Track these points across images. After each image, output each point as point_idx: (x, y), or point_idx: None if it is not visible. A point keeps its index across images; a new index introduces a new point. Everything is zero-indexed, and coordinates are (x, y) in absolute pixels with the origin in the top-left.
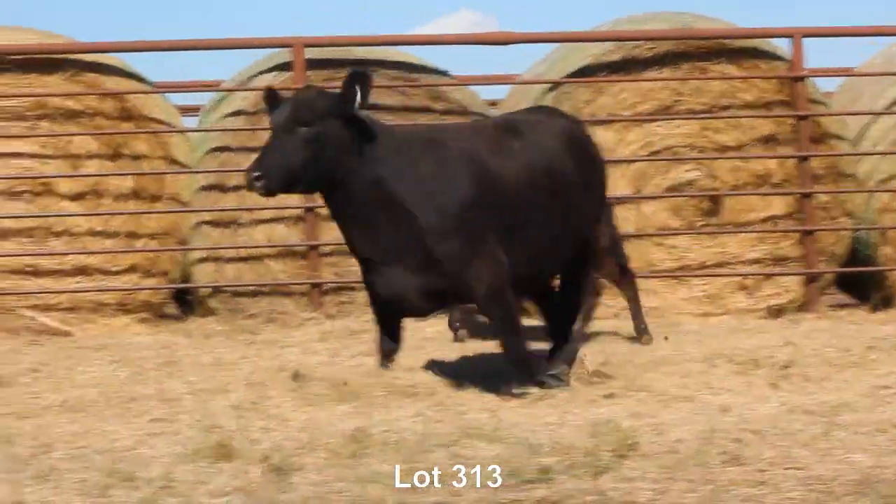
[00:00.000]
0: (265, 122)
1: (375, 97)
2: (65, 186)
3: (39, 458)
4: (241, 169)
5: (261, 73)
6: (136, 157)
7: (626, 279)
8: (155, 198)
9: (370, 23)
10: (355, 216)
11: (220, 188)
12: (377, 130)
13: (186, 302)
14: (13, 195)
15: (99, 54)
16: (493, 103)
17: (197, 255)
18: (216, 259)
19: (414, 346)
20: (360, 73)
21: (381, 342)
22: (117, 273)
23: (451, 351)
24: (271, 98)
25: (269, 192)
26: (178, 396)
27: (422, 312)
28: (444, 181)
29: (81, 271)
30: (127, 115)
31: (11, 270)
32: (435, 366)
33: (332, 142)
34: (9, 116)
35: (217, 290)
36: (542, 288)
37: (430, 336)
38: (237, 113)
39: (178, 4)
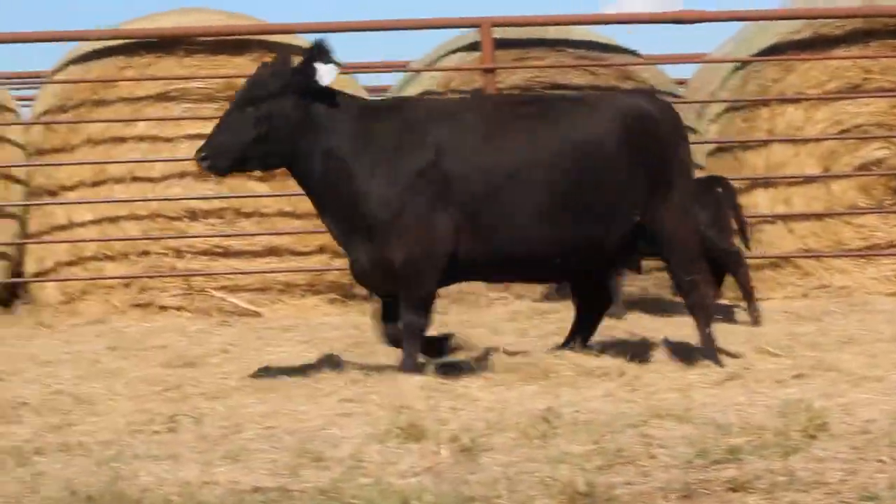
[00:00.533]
0: None
1: (564, 76)
2: None
3: (229, 438)
4: None
5: (449, 53)
6: None
7: (734, 264)
8: None
9: (558, 2)
10: (317, 191)
11: None
12: (340, 104)
13: None
14: (203, 176)
15: (287, 35)
16: (681, 82)
17: None
18: None
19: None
20: (318, 45)
21: (380, 322)
22: (307, 254)
23: (639, 331)
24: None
25: (215, 170)
26: (367, 376)
27: (385, 290)
28: (391, 151)
29: (271, 252)
30: None
31: (202, 251)
32: (623, 345)
33: (283, 120)
34: (198, 98)
35: None
36: (569, 272)
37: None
38: (426, 93)
39: None
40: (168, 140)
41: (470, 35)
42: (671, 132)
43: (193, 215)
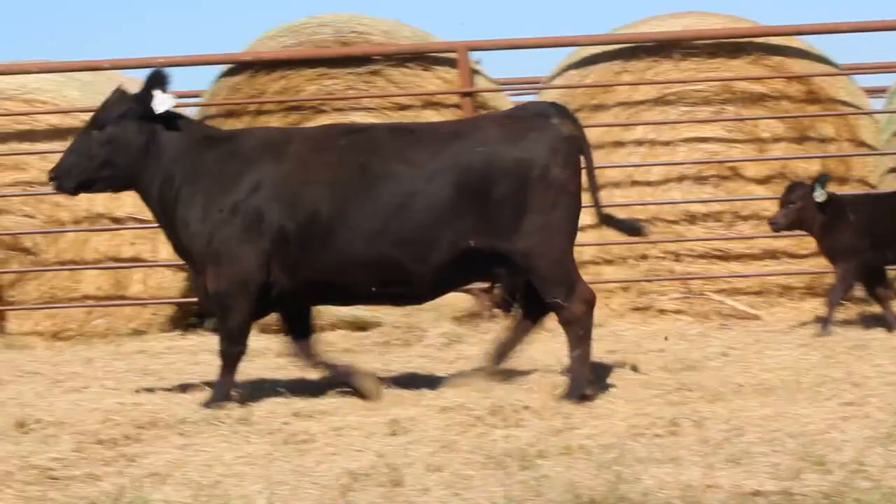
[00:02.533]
0: None
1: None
2: (751, 170)
3: (732, 441)
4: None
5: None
6: (823, 140)
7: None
8: (842, 180)
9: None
10: (156, 215)
11: None
12: (181, 131)
13: None
14: (701, 179)
15: (783, 37)
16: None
17: None
18: None
19: None
20: (157, 73)
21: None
22: (804, 256)
23: None
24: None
25: (64, 191)
26: (868, 379)
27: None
28: (213, 182)
29: (770, 255)
30: (813, 97)
31: (701, 255)
32: None
33: (124, 143)
34: (695, 101)
35: None
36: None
37: None
38: None
39: None
40: (666, 144)
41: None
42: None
43: (692, 218)
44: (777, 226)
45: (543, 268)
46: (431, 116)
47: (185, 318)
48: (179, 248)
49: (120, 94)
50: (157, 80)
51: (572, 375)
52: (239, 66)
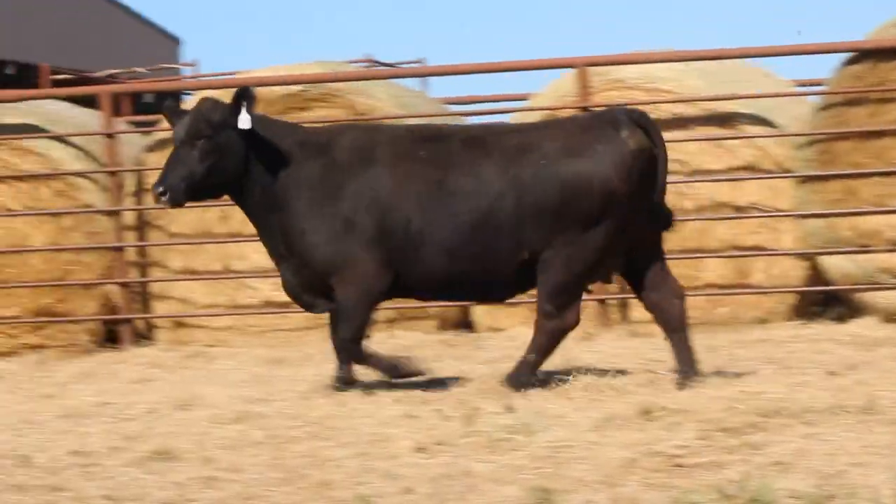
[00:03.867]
0: None
1: None
2: None
3: None
4: None
5: None
6: None
7: None
8: None
9: None
10: (255, 219)
11: None
12: (272, 138)
13: None
14: None
15: None
16: None
17: None
18: None
19: None
20: (244, 90)
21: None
22: None
23: None
24: (170, 116)
25: (175, 204)
26: None
27: (312, 310)
28: (322, 189)
29: None
30: None
31: None
32: None
33: (228, 151)
34: None
35: None
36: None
37: None
38: None
39: None
40: None
41: None
42: None
43: None
44: None
45: (554, 279)
46: None
47: (808, 307)
48: (277, 249)
49: (213, 103)
50: (245, 97)
51: (519, 365)
52: (861, 55)
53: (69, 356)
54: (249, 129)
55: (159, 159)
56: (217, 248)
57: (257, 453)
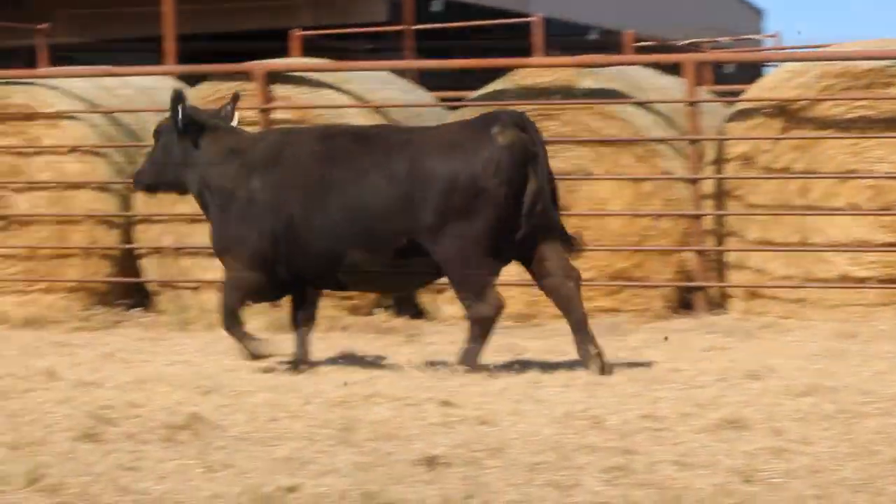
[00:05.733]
0: None
1: None
2: None
3: None
4: None
5: None
6: None
7: None
8: None
9: None
10: (202, 214)
11: None
12: (212, 139)
13: None
14: None
15: None
16: None
17: None
18: None
19: None
20: (176, 94)
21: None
22: None
23: None
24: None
25: (143, 191)
26: None
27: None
28: (233, 184)
29: None
30: None
31: None
32: None
33: (171, 151)
34: None
35: None
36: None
37: None
38: None
39: None
40: None
41: None
42: None
43: None
44: None
45: (455, 271)
46: None
47: None
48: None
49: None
50: (177, 100)
51: (464, 350)
52: None
53: (643, 321)
54: (184, 132)
55: (741, 130)
56: (795, 219)
57: (828, 427)
